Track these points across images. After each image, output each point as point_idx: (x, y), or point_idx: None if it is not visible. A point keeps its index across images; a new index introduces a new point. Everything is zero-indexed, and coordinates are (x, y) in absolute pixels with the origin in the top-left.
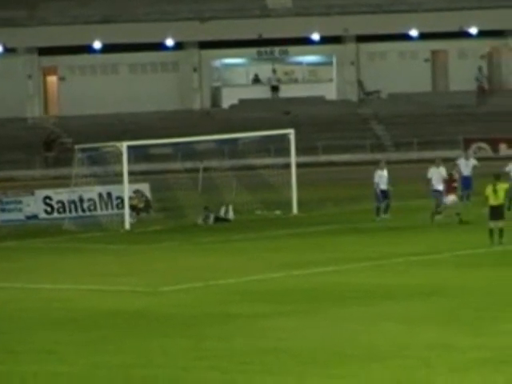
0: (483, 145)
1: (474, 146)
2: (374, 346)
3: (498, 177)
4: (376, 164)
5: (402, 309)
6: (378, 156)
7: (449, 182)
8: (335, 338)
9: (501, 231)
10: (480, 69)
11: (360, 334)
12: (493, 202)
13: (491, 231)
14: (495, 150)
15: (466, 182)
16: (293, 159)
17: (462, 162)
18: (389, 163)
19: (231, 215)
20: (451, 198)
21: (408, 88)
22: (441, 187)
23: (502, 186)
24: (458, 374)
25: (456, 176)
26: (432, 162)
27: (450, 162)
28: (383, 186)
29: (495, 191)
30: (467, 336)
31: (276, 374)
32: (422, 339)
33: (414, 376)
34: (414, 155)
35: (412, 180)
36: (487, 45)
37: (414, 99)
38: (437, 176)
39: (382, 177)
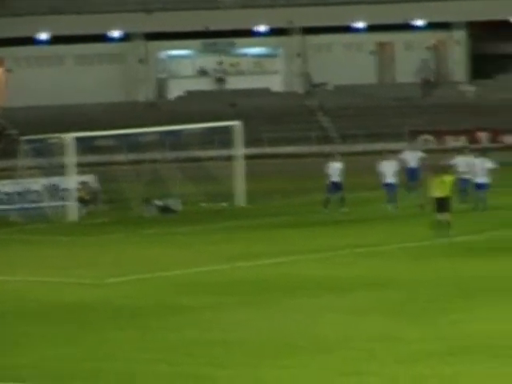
0: (429, 137)
1: (419, 138)
2: (323, 337)
3: (444, 169)
4: (325, 156)
5: (350, 300)
6: (324, 148)
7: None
8: (284, 329)
9: (447, 224)
10: (425, 61)
11: (309, 325)
12: (439, 194)
13: (437, 223)
14: (441, 142)
15: (413, 173)
16: (239, 151)
17: (408, 154)
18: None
19: (178, 207)
20: None
21: (354, 80)
22: (393, 180)
23: (448, 179)
24: (405, 365)
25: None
26: (379, 154)
27: (396, 155)
28: (335, 178)
29: (441, 183)
30: (415, 327)
31: (225, 366)
32: (369, 331)
33: (361, 367)
34: (360, 147)
35: (358, 172)
36: (433, 37)
37: (360, 91)
38: (388, 169)
39: (334, 169)
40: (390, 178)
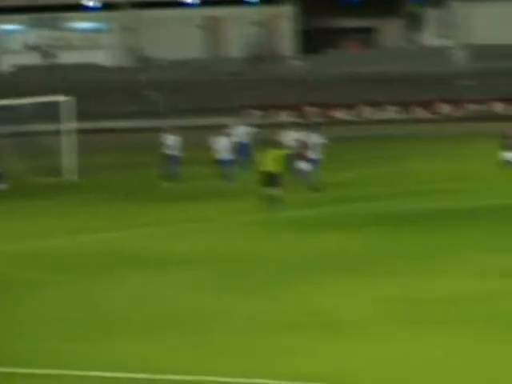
0: (259, 112)
1: (249, 113)
2: (165, 313)
3: (274, 144)
4: (157, 130)
5: (188, 276)
6: (156, 123)
7: (302, 150)
8: (127, 305)
9: (276, 198)
10: (255, 36)
11: (148, 301)
12: (267, 168)
13: (268, 198)
14: (270, 116)
15: (243, 148)
16: (70, 125)
17: (238, 129)
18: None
19: (4, 182)
20: (305, 166)
21: (185, 54)
22: (228, 156)
23: (277, 153)
24: (243, 339)
25: (309, 144)
26: (210, 128)
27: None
28: (172, 152)
29: (269, 158)
30: (252, 302)
31: (80, 340)
32: (208, 306)
33: (200, 341)
34: (191, 122)
35: (191, 147)
36: (263, 12)
37: (190, 66)
38: (222, 145)
39: (171, 142)
40: (225, 154)
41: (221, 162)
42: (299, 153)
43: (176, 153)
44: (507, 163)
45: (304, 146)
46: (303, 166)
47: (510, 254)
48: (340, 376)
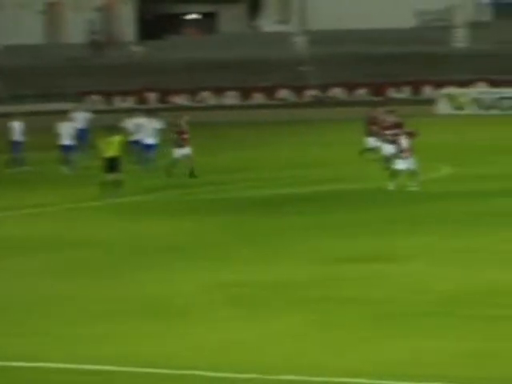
0: (98, 97)
1: (88, 99)
2: (5, 298)
3: (113, 130)
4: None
5: (30, 261)
6: None
7: (179, 134)
8: None
9: (117, 183)
10: (94, 21)
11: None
12: (108, 154)
13: (107, 183)
14: (110, 102)
15: (82, 134)
16: None
17: (76, 115)
18: (6, 116)
19: None
20: (184, 151)
21: (24, 40)
22: (70, 142)
23: (117, 139)
24: (82, 325)
25: (185, 128)
26: (51, 114)
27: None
28: (15, 138)
29: (110, 144)
30: (91, 288)
31: None
32: (43, 291)
33: (35, 328)
34: (30, 107)
35: (30, 132)
36: None
37: (29, 51)
38: (65, 131)
39: (14, 127)
40: (67, 140)
41: (63, 148)
42: (175, 139)
43: (20, 138)
44: (370, 150)
45: (180, 131)
46: (181, 151)
47: (349, 240)
48: (171, 360)
